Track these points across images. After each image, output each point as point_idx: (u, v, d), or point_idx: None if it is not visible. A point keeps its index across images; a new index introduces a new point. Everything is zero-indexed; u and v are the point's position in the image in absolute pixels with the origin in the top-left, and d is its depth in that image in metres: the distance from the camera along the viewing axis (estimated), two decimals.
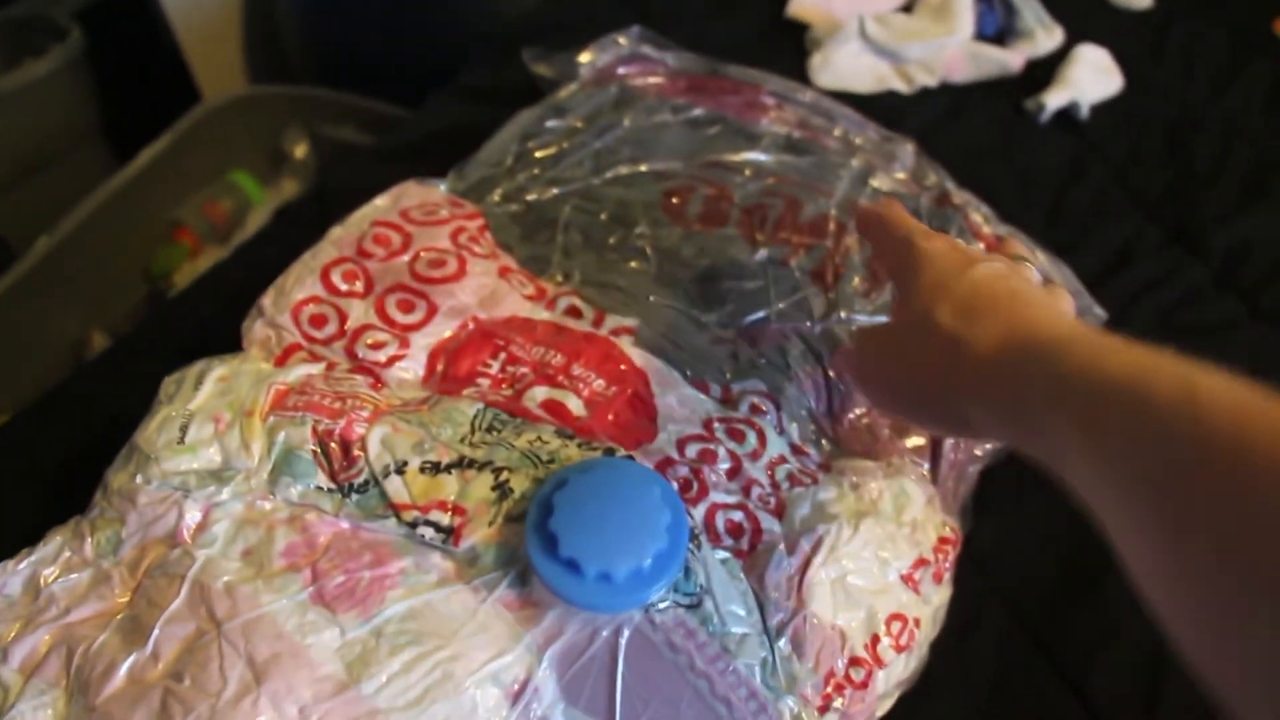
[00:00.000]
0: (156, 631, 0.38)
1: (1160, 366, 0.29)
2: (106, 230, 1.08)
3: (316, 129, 1.27)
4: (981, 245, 0.63)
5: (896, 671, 0.47)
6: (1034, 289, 0.39)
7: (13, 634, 0.39)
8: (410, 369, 0.49)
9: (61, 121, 1.22)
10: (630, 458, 0.44)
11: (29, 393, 0.68)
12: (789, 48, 0.91)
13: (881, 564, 0.46)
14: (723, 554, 0.44)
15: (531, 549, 0.39)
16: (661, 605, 0.40)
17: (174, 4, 1.26)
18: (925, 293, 0.39)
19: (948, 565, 0.50)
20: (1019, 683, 0.52)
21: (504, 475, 0.42)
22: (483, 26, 1.08)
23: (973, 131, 0.85)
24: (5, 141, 1.13)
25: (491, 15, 1.11)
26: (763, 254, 0.58)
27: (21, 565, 0.41)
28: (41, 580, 0.41)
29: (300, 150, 1.28)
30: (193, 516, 0.42)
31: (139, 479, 0.42)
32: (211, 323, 0.53)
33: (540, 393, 0.47)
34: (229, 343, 0.50)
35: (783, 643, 0.43)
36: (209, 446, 0.43)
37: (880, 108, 0.80)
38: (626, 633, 0.40)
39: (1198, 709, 0.51)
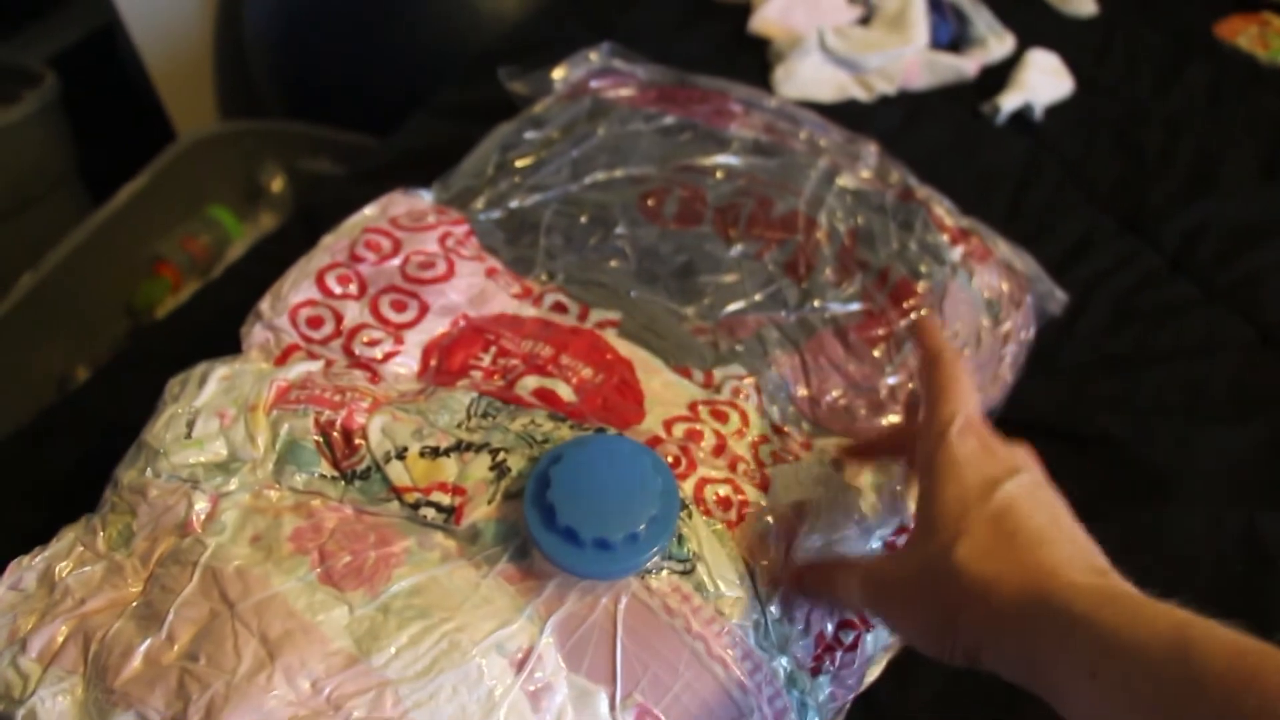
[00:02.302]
0: (171, 615, 0.40)
1: (1158, 617, 0.32)
2: (89, 266, 1.09)
3: (292, 162, 1.29)
4: (946, 237, 0.66)
5: (884, 636, 0.49)
6: (1053, 522, 0.39)
7: (30, 625, 0.41)
8: (405, 364, 0.51)
9: (37, 166, 1.23)
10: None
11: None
12: (751, 62, 0.94)
13: (865, 531, 0.48)
14: (714, 524, 0.45)
15: (530, 521, 0.41)
16: (657, 572, 0.42)
17: (146, 44, 1.28)
18: (947, 521, 0.39)
19: None
20: None
21: (501, 456, 0.44)
22: (449, 54, 1.10)
23: (932, 135, 0.89)
24: None
25: (458, 43, 1.14)
26: (737, 249, 0.61)
27: (36, 560, 0.42)
28: (56, 574, 0.42)
29: (276, 184, 1.30)
30: (202, 507, 0.43)
31: (148, 473, 0.44)
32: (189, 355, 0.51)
33: (531, 382, 0.49)
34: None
35: (773, 606, 0.44)
36: (215, 440, 0.44)
37: (843, 116, 0.83)
38: (624, 599, 0.41)
39: None
